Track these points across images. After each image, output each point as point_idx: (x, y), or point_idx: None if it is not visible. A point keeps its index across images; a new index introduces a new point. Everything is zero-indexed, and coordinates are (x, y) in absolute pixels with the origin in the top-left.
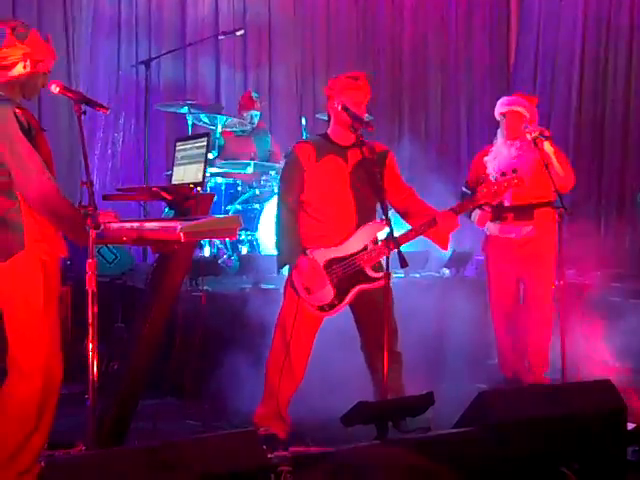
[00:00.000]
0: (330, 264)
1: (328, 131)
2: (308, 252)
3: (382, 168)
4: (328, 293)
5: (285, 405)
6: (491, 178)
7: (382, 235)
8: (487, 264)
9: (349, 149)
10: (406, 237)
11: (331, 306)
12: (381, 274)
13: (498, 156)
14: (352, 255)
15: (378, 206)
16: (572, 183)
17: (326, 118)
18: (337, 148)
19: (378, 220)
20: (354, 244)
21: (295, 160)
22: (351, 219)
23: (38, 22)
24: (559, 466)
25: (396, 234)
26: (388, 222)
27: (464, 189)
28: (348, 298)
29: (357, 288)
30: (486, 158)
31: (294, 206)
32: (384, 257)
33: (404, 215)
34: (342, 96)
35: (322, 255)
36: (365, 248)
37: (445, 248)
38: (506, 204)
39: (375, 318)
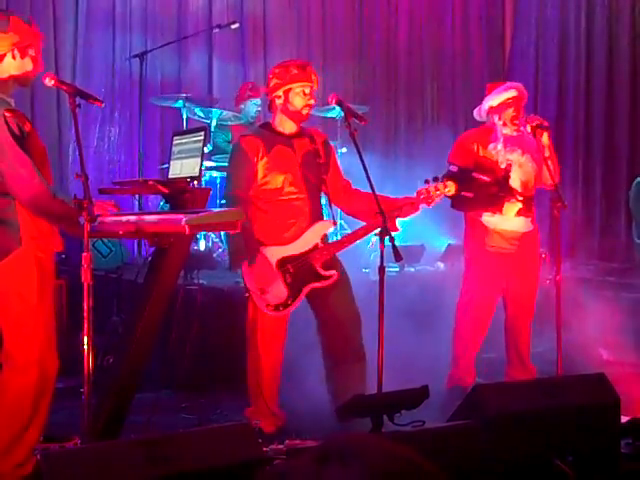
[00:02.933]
0: (283, 263)
1: (270, 121)
2: (260, 249)
3: (328, 157)
4: (282, 292)
5: (272, 400)
6: (501, 167)
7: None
8: (475, 264)
9: (294, 138)
10: (365, 231)
11: (285, 305)
12: (332, 272)
13: (508, 145)
14: (304, 254)
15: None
16: (559, 180)
17: (326, 114)
18: (283, 138)
19: (328, 219)
20: (305, 242)
21: (242, 153)
22: (304, 212)
23: (31, 12)
24: (553, 458)
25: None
26: (384, 217)
27: (454, 169)
28: (300, 297)
29: (309, 287)
30: (491, 146)
31: (243, 201)
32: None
33: (349, 210)
34: (291, 84)
35: (275, 253)
36: (316, 247)
37: (397, 230)
38: (519, 197)
39: (332, 315)
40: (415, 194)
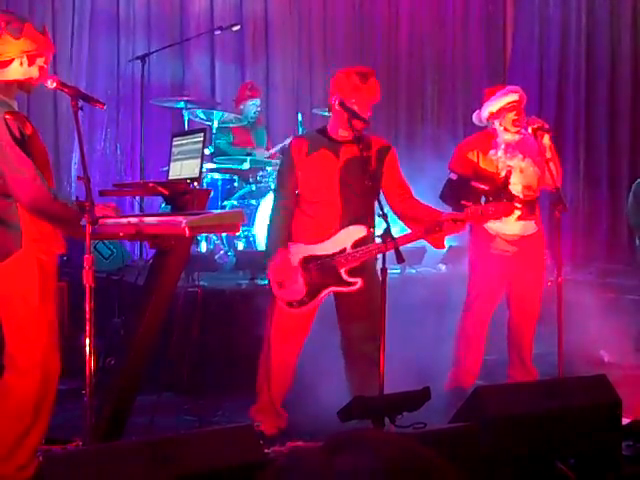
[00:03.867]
0: (307, 261)
1: (327, 125)
2: (288, 245)
3: (381, 165)
4: (300, 290)
5: (278, 401)
6: (501, 175)
7: (381, 231)
8: (479, 266)
9: (343, 144)
10: (405, 239)
11: (301, 303)
12: (356, 279)
13: (509, 151)
14: (329, 256)
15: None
16: (561, 182)
17: (325, 114)
18: (331, 143)
19: (362, 224)
20: (333, 245)
21: (288, 155)
22: (335, 216)
23: (30, 12)
24: (555, 461)
25: (395, 234)
26: (385, 218)
27: (453, 177)
28: (319, 298)
29: (329, 289)
30: (492, 153)
31: (285, 201)
32: (366, 256)
33: (400, 216)
34: (350, 94)
35: (301, 251)
36: (344, 250)
37: (442, 247)
38: (517, 205)
39: (354, 317)
40: (464, 210)
